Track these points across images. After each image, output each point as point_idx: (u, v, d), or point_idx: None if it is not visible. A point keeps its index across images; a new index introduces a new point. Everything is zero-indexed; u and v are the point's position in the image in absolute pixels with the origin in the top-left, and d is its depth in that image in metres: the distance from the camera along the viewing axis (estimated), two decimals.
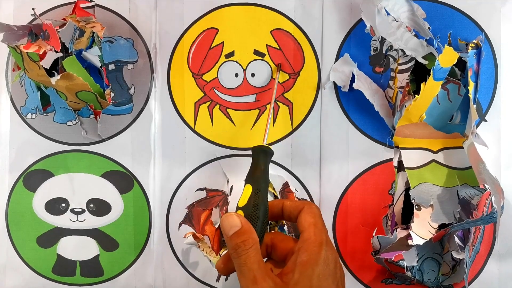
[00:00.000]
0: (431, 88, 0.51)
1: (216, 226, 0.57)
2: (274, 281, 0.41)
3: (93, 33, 0.56)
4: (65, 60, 0.54)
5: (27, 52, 0.50)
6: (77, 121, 0.58)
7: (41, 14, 0.57)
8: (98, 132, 0.58)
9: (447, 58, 0.50)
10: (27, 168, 0.59)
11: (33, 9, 0.56)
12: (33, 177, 0.59)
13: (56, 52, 0.52)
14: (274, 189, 0.57)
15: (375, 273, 0.57)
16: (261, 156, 0.47)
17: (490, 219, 0.48)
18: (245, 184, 0.46)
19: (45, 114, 0.58)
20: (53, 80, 0.52)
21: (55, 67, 0.56)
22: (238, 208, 0.45)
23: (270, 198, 0.57)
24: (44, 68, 0.52)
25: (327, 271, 0.41)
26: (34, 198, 0.59)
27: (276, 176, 0.57)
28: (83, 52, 0.56)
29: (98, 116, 0.57)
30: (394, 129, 0.55)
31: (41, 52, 0.51)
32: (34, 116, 0.59)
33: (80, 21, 0.55)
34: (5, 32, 0.53)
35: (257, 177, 0.46)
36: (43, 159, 0.59)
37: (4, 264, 0.59)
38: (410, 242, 0.52)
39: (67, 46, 0.55)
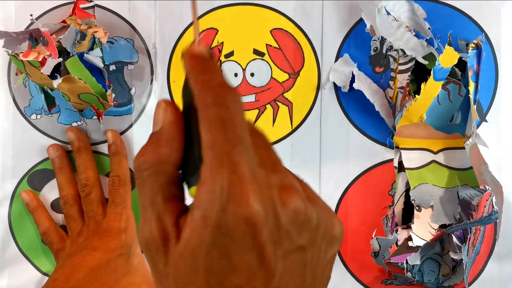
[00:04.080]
0: (432, 88, 0.51)
1: None
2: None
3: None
4: (67, 61, 0.54)
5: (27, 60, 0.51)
6: (82, 122, 0.58)
7: (40, 16, 0.58)
8: (101, 132, 0.58)
9: (447, 58, 0.50)
10: (31, 167, 0.59)
11: (31, 15, 0.56)
12: (38, 177, 0.59)
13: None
14: None
15: (375, 273, 0.57)
16: None
17: (490, 220, 0.48)
18: None
19: (50, 114, 0.58)
20: (55, 83, 0.52)
21: (58, 69, 0.56)
22: None
23: None
24: None
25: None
26: (40, 197, 0.59)
27: None
28: (85, 55, 0.56)
29: (100, 117, 0.57)
30: (395, 130, 0.54)
31: (40, 59, 0.51)
32: (39, 116, 0.59)
33: (81, 24, 0.55)
34: (5, 39, 0.53)
35: None
36: (48, 159, 0.59)
37: (9, 263, 0.59)
38: (410, 243, 0.52)
39: (69, 51, 0.55)
